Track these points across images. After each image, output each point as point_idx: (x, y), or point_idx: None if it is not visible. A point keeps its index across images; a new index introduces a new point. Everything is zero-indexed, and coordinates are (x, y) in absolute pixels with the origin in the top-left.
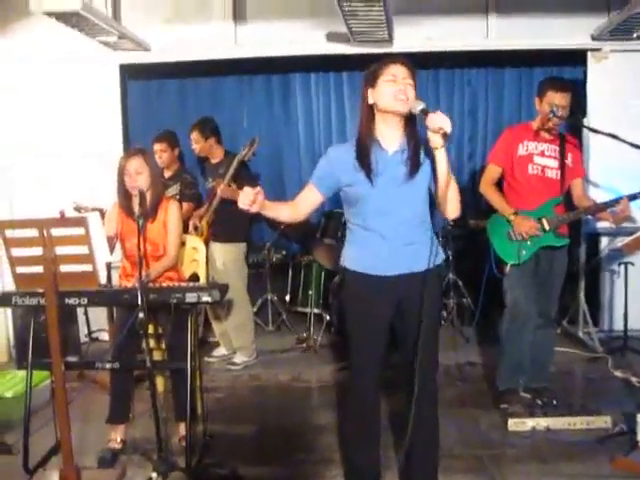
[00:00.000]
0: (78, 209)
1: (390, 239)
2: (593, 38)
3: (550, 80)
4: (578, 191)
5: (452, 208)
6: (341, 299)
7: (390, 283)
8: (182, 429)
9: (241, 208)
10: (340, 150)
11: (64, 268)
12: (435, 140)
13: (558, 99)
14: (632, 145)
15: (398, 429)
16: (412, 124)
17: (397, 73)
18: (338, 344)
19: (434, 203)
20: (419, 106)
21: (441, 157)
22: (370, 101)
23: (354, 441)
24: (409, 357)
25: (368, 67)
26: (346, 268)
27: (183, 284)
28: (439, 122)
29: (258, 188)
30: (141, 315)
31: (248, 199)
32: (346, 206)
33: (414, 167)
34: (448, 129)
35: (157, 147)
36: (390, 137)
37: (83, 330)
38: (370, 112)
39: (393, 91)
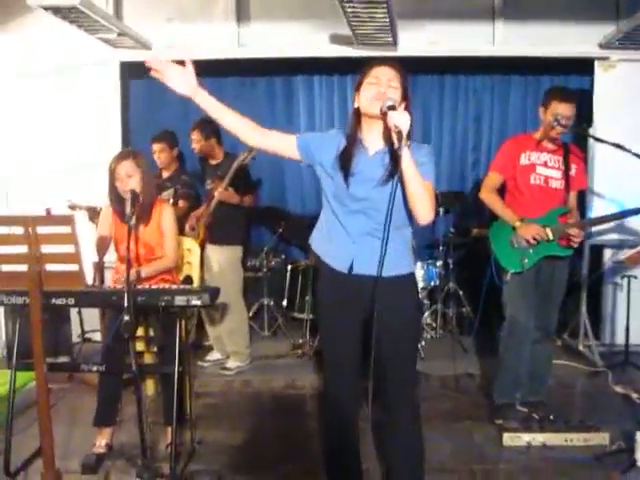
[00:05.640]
0: (73, 207)
1: (356, 239)
2: (601, 47)
3: (555, 90)
4: (571, 203)
5: (421, 213)
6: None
7: (356, 283)
8: (169, 434)
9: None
10: (338, 136)
11: (50, 267)
12: (393, 139)
13: (562, 109)
14: (637, 156)
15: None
16: None
17: (381, 75)
18: None
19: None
20: (387, 103)
21: (402, 157)
22: (355, 104)
23: (330, 450)
24: (381, 369)
25: None
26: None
27: (173, 286)
28: (395, 120)
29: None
30: (126, 318)
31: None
32: (323, 190)
33: (391, 170)
34: (403, 128)
35: (156, 147)
36: (373, 139)
37: (76, 330)
38: (356, 116)
39: (372, 94)
